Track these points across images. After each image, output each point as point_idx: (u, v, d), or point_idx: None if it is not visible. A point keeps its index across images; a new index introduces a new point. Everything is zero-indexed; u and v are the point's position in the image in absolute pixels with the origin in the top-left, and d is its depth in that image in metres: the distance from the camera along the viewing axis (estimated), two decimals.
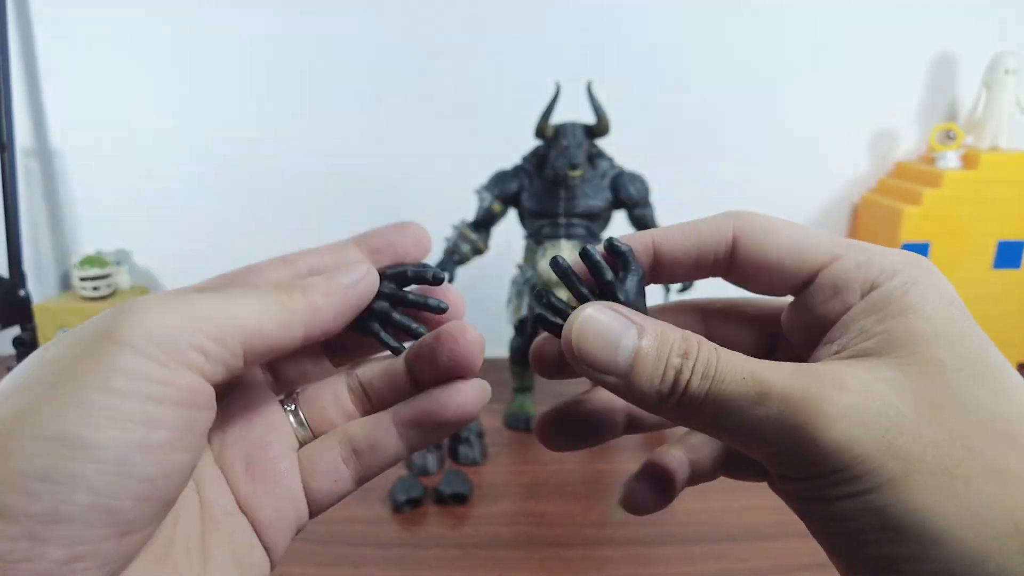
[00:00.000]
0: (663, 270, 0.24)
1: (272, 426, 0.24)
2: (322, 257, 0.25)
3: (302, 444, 0.25)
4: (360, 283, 0.23)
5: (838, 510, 0.19)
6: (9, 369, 0.78)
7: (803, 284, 0.22)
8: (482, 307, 0.95)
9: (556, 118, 0.67)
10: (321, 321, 0.22)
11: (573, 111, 0.68)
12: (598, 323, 0.21)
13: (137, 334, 0.18)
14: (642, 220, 0.71)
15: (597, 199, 0.69)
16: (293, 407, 0.25)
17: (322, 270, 0.24)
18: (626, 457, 0.69)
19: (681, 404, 0.20)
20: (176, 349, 0.18)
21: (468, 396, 0.24)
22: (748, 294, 0.25)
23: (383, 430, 0.24)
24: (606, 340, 0.20)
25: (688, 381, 0.20)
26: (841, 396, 0.18)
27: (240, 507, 0.23)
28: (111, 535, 0.17)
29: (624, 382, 0.20)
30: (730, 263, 0.23)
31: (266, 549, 0.23)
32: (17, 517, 0.16)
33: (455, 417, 0.24)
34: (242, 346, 0.20)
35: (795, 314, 0.23)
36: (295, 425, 0.25)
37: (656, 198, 0.71)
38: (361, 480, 0.24)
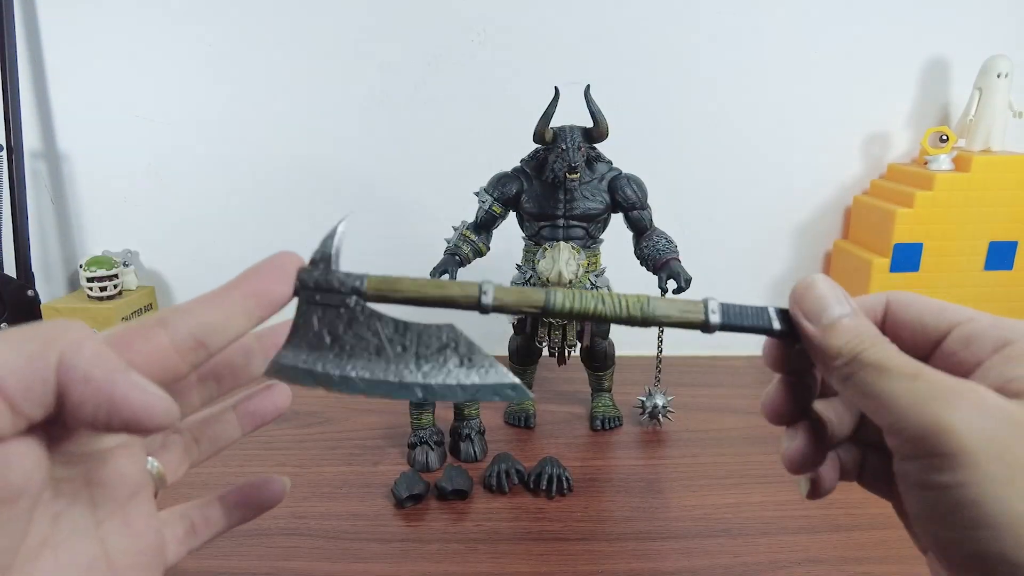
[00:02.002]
0: None
1: None
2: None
3: None
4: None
5: (942, 499, 0.21)
6: None
7: (941, 339, 0.25)
8: None
9: (555, 122, 0.68)
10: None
11: (572, 115, 0.69)
12: (824, 285, 0.26)
13: None
14: (639, 222, 0.72)
15: (595, 201, 0.70)
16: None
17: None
18: (623, 454, 0.71)
19: (850, 364, 0.24)
20: None
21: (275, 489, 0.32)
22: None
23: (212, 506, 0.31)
24: (823, 300, 0.26)
25: (864, 351, 0.24)
26: (979, 401, 0.21)
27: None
28: None
29: (820, 333, 0.25)
30: (882, 325, 0.27)
31: None
32: None
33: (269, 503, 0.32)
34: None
35: (947, 346, 0.26)
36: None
37: (653, 200, 0.73)
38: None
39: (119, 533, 0.25)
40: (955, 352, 0.25)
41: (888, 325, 0.27)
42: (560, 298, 0.27)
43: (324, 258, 0.27)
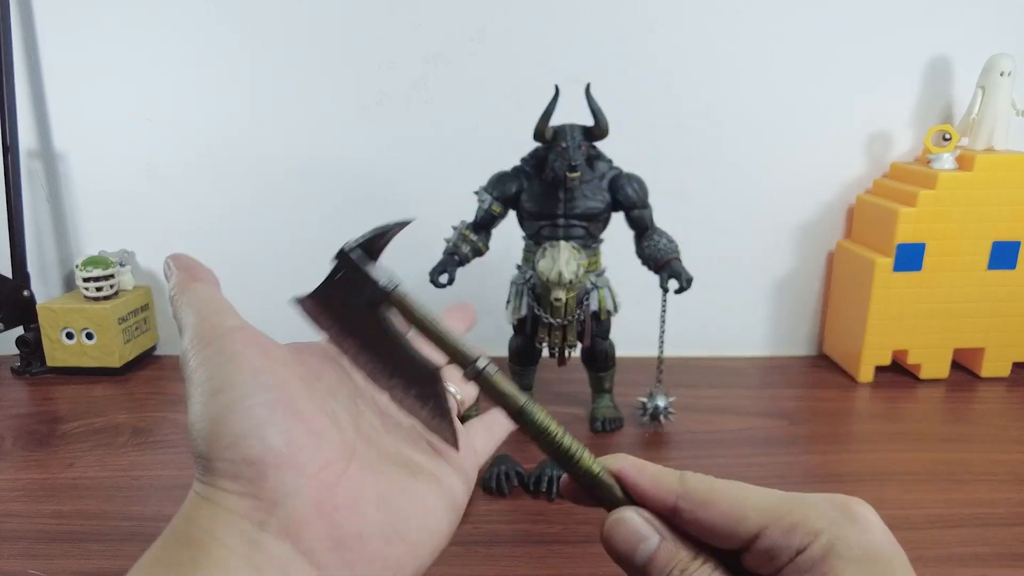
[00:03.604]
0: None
1: None
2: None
3: None
4: None
5: None
6: (12, 369, 0.80)
7: (743, 548, 0.24)
8: (482, 307, 0.96)
9: (555, 120, 0.68)
10: None
11: (572, 113, 0.69)
12: (628, 527, 0.26)
13: None
14: (640, 221, 0.72)
15: (596, 201, 0.70)
16: None
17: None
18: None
19: None
20: None
21: None
22: None
23: None
24: (629, 541, 0.26)
25: None
26: None
27: None
28: None
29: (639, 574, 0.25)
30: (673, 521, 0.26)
31: None
32: None
33: None
34: None
35: (749, 559, 0.25)
36: None
37: (654, 199, 0.72)
38: None
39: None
40: (761, 565, 0.24)
41: (682, 520, 0.26)
42: (533, 414, 0.27)
43: (373, 247, 0.29)
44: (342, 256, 0.29)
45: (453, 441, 0.29)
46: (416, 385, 0.29)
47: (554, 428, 0.27)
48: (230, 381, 0.24)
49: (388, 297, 0.28)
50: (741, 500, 0.25)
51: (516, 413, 0.27)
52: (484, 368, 0.28)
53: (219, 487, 0.23)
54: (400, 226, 0.29)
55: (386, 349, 0.29)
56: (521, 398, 0.27)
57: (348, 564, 0.23)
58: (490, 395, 0.28)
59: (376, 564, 0.24)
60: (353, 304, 0.29)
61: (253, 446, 0.23)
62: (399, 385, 0.29)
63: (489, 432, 0.35)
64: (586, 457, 0.27)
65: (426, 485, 0.27)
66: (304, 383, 0.26)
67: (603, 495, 0.27)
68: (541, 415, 0.27)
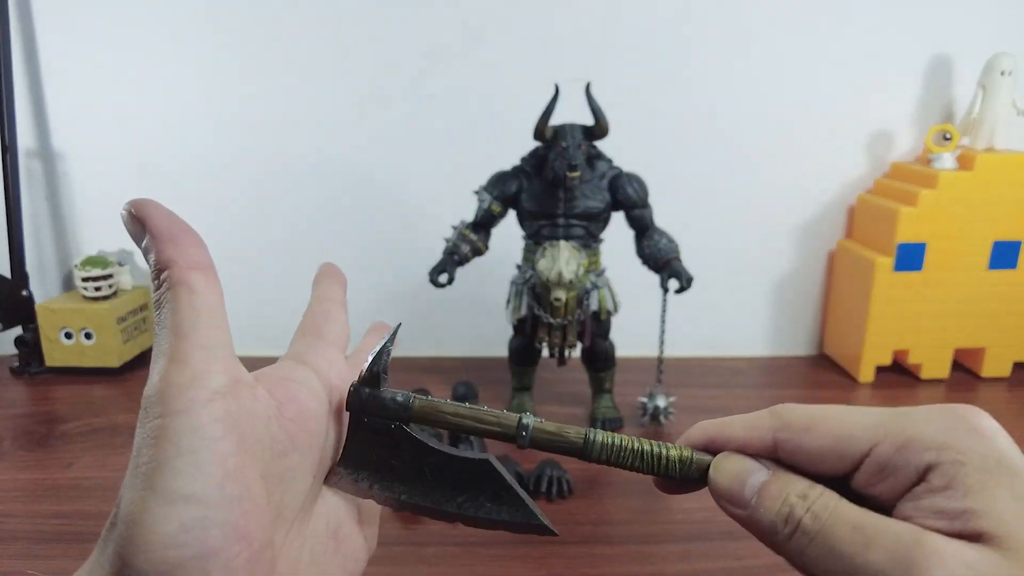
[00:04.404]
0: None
1: None
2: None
3: None
4: None
5: None
6: (11, 369, 0.79)
7: (851, 470, 0.23)
8: (482, 307, 0.96)
9: (555, 119, 0.68)
10: None
11: (572, 113, 0.68)
12: (734, 462, 0.25)
13: None
14: (640, 221, 0.72)
15: (596, 200, 0.70)
16: None
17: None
18: None
19: (794, 538, 0.22)
20: None
21: None
22: None
23: None
24: (737, 476, 0.24)
25: (801, 519, 0.22)
26: (947, 565, 0.19)
27: None
28: None
29: (748, 513, 0.24)
30: (776, 458, 0.25)
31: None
32: None
33: None
34: None
35: (860, 479, 0.23)
36: None
37: (654, 199, 0.72)
38: None
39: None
40: (873, 485, 0.22)
41: (785, 461, 0.24)
42: (599, 443, 0.26)
43: (373, 377, 0.27)
44: (352, 397, 0.27)
45: (548, 527, 0.27)
46: (482, 489, 0.27)
47: (624, 441, 0.26)
48: (193, 486, 0.20)
49: (411, 412, 0.27)
50: (845, 419, 0.23)
51: (580, 451, 0.26)
52: (532, 426, 0.27)
53: None
54: (391, 340, 0.28)
55: (434, 471, 0.27)
56: (577, 432, 0.26)
57: None
58: (550, 449, 0.27)
59: None
60: (382, 445, 0.27)
61: (190, 571, 0.19)
62: (467, 500, 0.28)
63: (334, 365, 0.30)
64: (671, 451, 0.26)
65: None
66: (264, 481, 0.22)
67: (704, 474, 0.26)
68: (603, 436, 0.26)
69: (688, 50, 0.88)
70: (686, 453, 0.26)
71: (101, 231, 0.94)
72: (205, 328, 0.22)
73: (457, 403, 0.27)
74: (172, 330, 0.22)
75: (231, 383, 0.22)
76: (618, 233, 0.73)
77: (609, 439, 0.26)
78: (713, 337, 0.97)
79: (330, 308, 0.30)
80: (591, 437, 0.26)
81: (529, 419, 0.27)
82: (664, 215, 0.73)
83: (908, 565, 0.20)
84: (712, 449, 0.26)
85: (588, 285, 0.70)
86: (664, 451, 0.26)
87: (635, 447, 0.26)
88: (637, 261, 0.73)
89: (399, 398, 0.27)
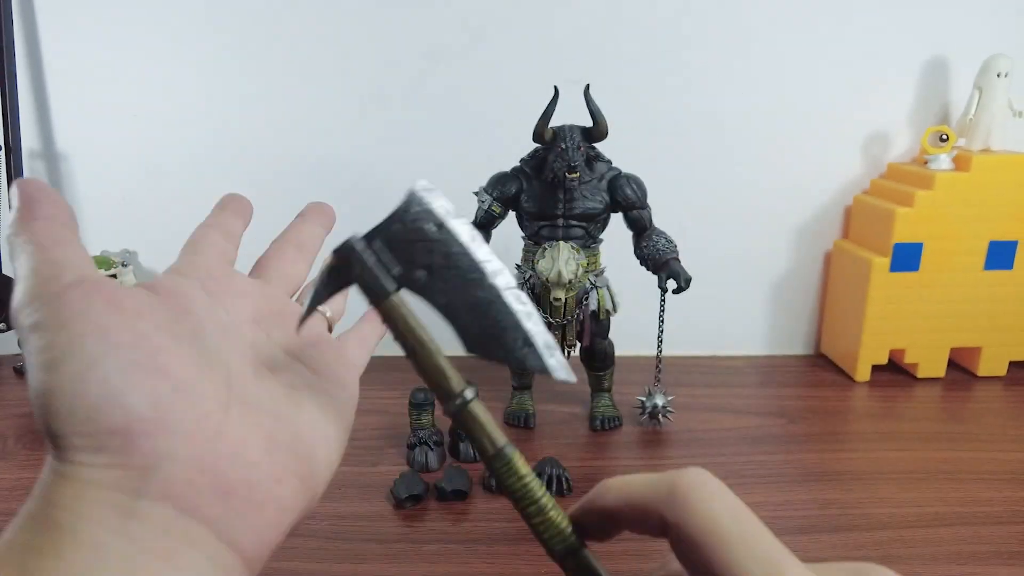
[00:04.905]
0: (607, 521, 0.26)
1: None
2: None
3: None
4: None
5: None
6: (15, 369, 0.80)
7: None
8: None
9: (554, 121, 0.68)
10: None
11: (571, 114, 0.69)
12: None
13: None
14: (639, 221, 0.72)
15: (595, 201, 0.70)
16: None
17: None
18: (623, 454, 0.70)
19: None
20: None
21: None
22: None
23: None
24: None
25: None
26: None
27: None
28: None
29: None
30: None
31: None
32: None
33: None
34: None
35: None
36: None
37: (652, 200, 0.72)
38: None
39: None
40: None
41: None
42: (511, 459, 0.25)
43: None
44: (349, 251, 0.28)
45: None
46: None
47: (532, 480, 0.25)
48: (73, 348, 0.21)
49: (389, 299, 0.28)
50: (746, 539, 0.21)
51: (489, 457, 0.25)
52: (470, 401, 0.25)
53: (80, 462, 0.20)
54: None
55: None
56: (498, 440, 0.25)
57: (239, 513, 0.22)
58: (469, 434, 0.26)
59: (268, 507, 0.23)
60: (420, 230, 0.30)
61: (114, 416, 0.20)
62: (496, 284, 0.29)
63: (362, 341, 0.34)
64: (557, 521, 0.25)
65: (313, 412, 0.26)
66: (167, 330, 0.23)
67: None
68: (518, 458, 0.25)
69: (687, 51, 0.88)
70: (568, 533, 0.25)
71: (105, 231, 0.94)
72: (53, 251, 0.23)
73: (426, 333, 0.27)
74: (24, 256, 0.23)
75: (84, 275, 0.23)
76: (617, 233, 0.73)
77: (523, 466, 0.25)
78: (711, 336, 0.97)
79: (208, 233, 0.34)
80: (507, 452, 0.25)
81: (472, 395, 0.25)
82: (663, 215, 0.73)
83: None
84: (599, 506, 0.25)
85: (587, 285, 0.71)
86: (562, 522, 0.25)
87: (537, 495, 0.25)
88: (636, 261, 0.73)
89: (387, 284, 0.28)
